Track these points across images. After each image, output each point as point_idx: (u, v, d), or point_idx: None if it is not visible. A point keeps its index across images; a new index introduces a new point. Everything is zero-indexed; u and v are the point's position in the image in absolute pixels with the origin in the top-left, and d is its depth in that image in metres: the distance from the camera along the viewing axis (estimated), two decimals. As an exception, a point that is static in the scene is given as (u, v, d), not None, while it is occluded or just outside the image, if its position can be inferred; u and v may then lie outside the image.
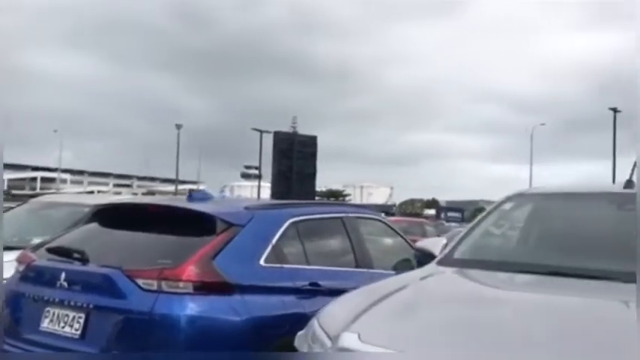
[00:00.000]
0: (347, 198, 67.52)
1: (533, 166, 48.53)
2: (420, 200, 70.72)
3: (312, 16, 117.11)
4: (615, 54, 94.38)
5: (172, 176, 54.10)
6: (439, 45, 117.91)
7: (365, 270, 4.11)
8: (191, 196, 4.02)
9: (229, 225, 3.47)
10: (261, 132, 42.04)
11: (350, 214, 4.46)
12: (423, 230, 16.44)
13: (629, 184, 3.21)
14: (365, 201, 65.51)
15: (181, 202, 3.91)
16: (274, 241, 3.62)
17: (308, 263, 3.82)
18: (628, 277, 2.67)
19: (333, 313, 2.48)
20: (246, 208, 3.74)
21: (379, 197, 70.78)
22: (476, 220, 3.61)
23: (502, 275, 2.99)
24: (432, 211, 52.25)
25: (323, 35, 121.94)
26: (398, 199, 70.78)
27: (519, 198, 3.63)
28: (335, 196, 64.14)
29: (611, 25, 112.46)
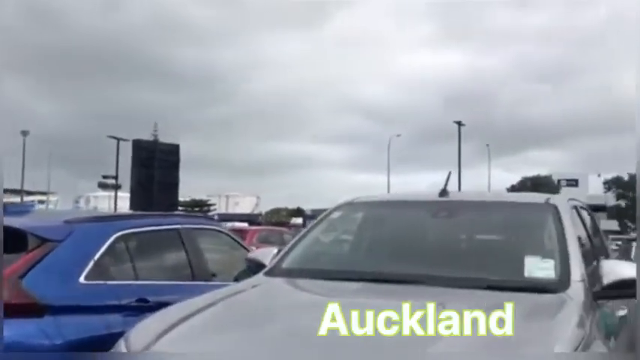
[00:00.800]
0: (212, 207, 66.45)
1: (391, 175, 51.13)
2: (286, 209, 71.41)
3: (175, 20, 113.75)
4: (460, 70, 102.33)
5: (18, 186, 49.71)
6: (302, 55, 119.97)
7: (203, 282, 3.99)
8: (5, 209, 3.64)
9: (43, 240, 3.22)
10: (118, 140, 39.91)
11: (187, 226, 4.32)
12: (281, 239, 16.51)
13: (443, 192, 3.44)
14: (231, 210, 64.91)
15: None
16: (97, 256, 3.42)
17: (137, 279, 3.64)
18: (443, 282, 2.84)
19: (140, 331, 2.37)
20: (66, 221, 3.49)
21: (245, 206, 70.44)
22: (305, 229, 3.65)
23: (328, 284, 3.03)
24: (299, 220, 53.10)
25: (186, 40, 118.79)
26: (265, 209, 70.91)
27: (348, 207, 3.74)
28: (199, 205, 62.83)
29: (458, 43, 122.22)
